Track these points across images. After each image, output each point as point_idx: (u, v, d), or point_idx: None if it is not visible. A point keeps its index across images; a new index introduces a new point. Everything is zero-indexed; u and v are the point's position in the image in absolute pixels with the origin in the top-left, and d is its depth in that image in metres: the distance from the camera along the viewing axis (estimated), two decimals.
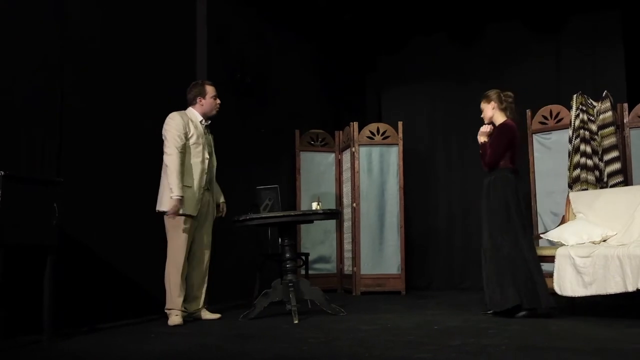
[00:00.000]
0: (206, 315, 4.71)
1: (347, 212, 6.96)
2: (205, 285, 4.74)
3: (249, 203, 5.27)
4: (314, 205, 4.84)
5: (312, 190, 6.98)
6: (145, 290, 4.89)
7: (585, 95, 5.78)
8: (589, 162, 5.58)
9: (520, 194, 4.62)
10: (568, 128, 5.83)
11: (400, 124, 6.90)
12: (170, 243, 4.52)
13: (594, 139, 5.64)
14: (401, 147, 6.85)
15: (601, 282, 4.09)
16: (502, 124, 4.71)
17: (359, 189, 6.81)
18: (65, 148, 4.38)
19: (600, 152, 5.62)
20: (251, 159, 6.32)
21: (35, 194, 3.60)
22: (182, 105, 4.79)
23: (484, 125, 4.82)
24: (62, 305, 3.95)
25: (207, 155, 4.66)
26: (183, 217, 4.49)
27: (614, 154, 5.60)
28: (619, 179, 5.55)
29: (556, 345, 3.32)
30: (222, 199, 4.93)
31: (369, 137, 6.88)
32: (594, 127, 5.67)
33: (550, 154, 6.21)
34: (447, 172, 7.61)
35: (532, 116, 6.34)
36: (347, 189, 7.04)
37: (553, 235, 4.74)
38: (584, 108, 5.70)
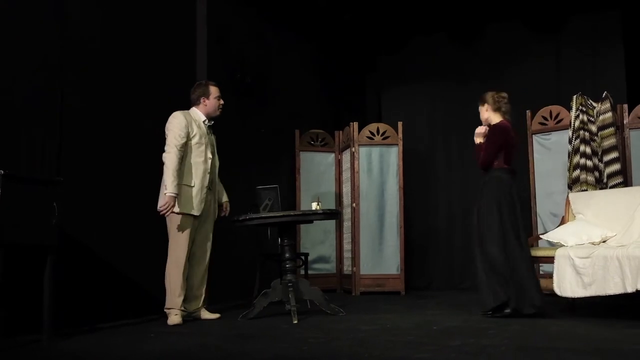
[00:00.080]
0: (206, 315, 4.71)
1: (346, 212, 6.96)
2: (205, 285, 4.75)
3: (249, 203, 5.27)
4: (314, 205, 4.84)
5: (312, 190, 6.98)
6: (145, 290, 4.89)
7: (585, 96, 5.78)
8: (589, 163, 5.58)
9: (515, 194, 4.63)
10: (568, 129, 5.83)
11: (400, 124, 6.90)
12: (172, 242, 4.53)
13: (594, 140, 5.65)
14: (401, 148, 6.85)
15: (600, 283, 4.09)
16: (494, 125, 4.73)
17: (359, 189, 6.81)
18: (65, 148, 4.38)
19: (600, 153, 5.63)
20: (251, 158, 6.33)
21: (35, 193, 3.61)
22: (182, 105, 4.79)
23: (479, 127, 4.85)
24: (62, 305, 3.95)
25: (209, 155, 4.67)
26: (185, 217, 4.49)
27: (614, 154, 5.60)
28: (619, 179, 5.56)
29: (556, 346, 3.32)
30: (225, 199, 4.94)
31: (368, 137, 6.88)
32: (593, 128, 5.67)
33: (550, 154, 6.21)
34: (447, 172, 7.61)
35: (532, 117, 6.34)
36: (346, 189, 7.04)
37: (552, 236, 4.74)
38: (584, 109, 5.70)
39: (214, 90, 4.76)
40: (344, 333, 3.86)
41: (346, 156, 7.06)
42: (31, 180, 3.68)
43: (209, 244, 4.76)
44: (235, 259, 5.88)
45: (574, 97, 5.75)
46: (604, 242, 4.56)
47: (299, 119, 7.20)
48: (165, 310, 4.50)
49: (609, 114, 5.67)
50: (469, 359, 2.98)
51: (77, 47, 4.58)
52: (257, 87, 6.55)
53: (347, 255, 6.95)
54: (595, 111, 5.73)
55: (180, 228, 4.50)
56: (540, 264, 5.79)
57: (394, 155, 6.87)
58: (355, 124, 6.86)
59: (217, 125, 4.86)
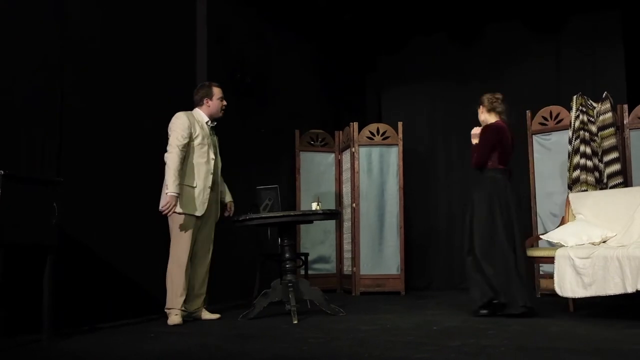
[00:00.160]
0: (206, 315, 4.71)
1: (346, 213, 6.96)
2: (206, 286, 4.75)
3: (249, 203, 5.27)
4: (314, 206, 4.84)
5: (312, 190, 6.98)
6: (145, 290, 4.90)
7: (585, 96, 5.78)
8: (589, 163, 5.58)
9: (509, 195, 4.65)
10: (568, 129, 5.83)
11: (400, 124, 6.90)
12: (174, 242, 4.53)
13: (594, 140, 5.65)
14: (401, 148, 6.85)
15: (601, 283, 4.09)
16: (487, 125, 4.78)
17: (359, 189, 6.81)
18: (65, 148, 4.38)
19: (600, 153, 5.63)
20: (251, 159, 6.33)
21: (35, 193, 3.61)
22: (182, 105, 4.79)
23: (474, 128, 4.90)
24: (62, 304, 3.95)
25: (212, 156, 4.68)
26: (187, 217, 4.50)
27: (614, 155, 5.60)
28: (619, 180, 5.56)
29: (556, 346, 3.32)
30: (229, 198, 4.94)
31: (368, 138, 6.88)
32: (593, 128, 5.67)
33: (550, 155, 6.22)
34: (447, 172, 7.61)
35: (532, 117, 6.34)
36: (346, 189, 7.04)
37: (552, 236, 4.74)
38: (584, 109, 5.70)
39: (217, 92, 4.77)
40: (344, 333, 3.86)
41: (346, 156, 7.06)
42: (31, 180, 3.68)
43: (211, 244, 4.76)
44: (235, 259, 5.88)
45: (574, 97, 5.75)
46: (604, 242, 4.56)
47: (299, 119, 7.20)
48: (165, 310, 4.50)
49: (609, 114, 5.67)
50: (469, 359, 2.98)
51: (77, 47, 4.58)
52: (257, 87, 6.55)
53: (347, 255, 6.95)
54: (595, 111, 5.73)
55: (183, 228, 4.50)
56: (541, 264, 5.80)
57: (394, 156, 6.87)
58: (355, 124, 6.86)
59: (217, 126, 4.86)
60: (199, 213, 4.56)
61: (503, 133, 4.72)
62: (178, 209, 4.46)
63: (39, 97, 4.25)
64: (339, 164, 7.25)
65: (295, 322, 4.34)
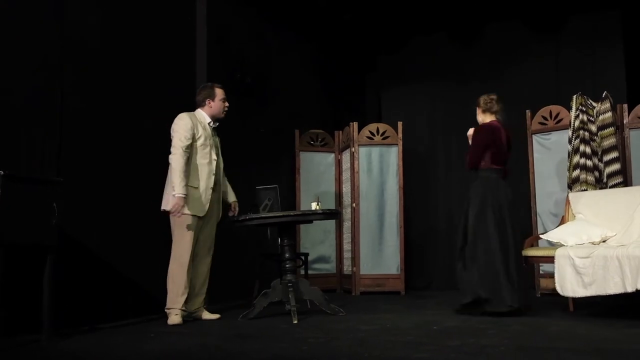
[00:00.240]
0: (205, 315, 4.71)
1: (346, 212, 6.96)
2: (206, 286, 4.75)
3: (249, 203, 5.28)
4: (314, 205, 4.84)
5: (312, 190, 6.98)
6: (145, 290, 4.90)
7: (585, 96, 5.78)
8: (589, 162, 5.58)
9: (502, 194, 4.68)
10: (568, 129, 5.83)
11: (399, 124, 6.90)
12: (176, 242, 4.53)
13: (594, 140, 5.65)
14: (401, 147, 6.85)
15: (601, 283, 4.09)
16: (479, 125, 4.85)
17: (359, 189, 6.81)
18: (65, 148, 4.38)
19: (599, 153, 5.63)
20: (251, 159, 6.32)
21: (35, 193, 3.61)
22: (182, 105, 4.80)
23: (470, 129, 4.95)
24: (62, 304, 3.95)
25: (214, 157, 4.69)
26: (190, 217, 4.50)
27: (614, 154, 5.60)
28: (619, 179, 5.56)
29: (556, 346, 3.32)
30: (233, 198, 4.94)
31: (368, 137, 6.88)
32: (593, 128, 5.67)
33: (549, 154, 6.22)
34: (447, 172, 7.61)
35: (532, 117, 6.34)
36: (346, 189, 7.04)
37: (552, 235, 4.74)
38: (584, 109, 5.70)
39: (219, 93, 4.78)
40: (343, 333, 3.86)
41: (346, 156, 7.06)
42: (31, 180, 3.68)
43: (212, 245, 4.77)
44: (235, 259, 5.88)
45: (574, 97, 5.75)
46: (603, 241, 4.56)
47: (299, 119, 7.20)
48: (166, 310, 4.50)
49: (609, 114, 5.67)
50: (469, 359, 2.98)
51: (77, 47, 4.58)
52: (257, 87, 6.55)
53: (347, 255, 6.95)
54: (595, 111, 5.73)
55: (185, 228, 4.50)
56: (541, 264, 5.81)
57: (393, 155, 6.87)
58: (355, 124, 6.86)
59: (218, 126, 4.86)
60: (201, 213, 4.56)
61: (497, 133, 4.75)
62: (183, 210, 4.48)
63: (39, 97, 4.25)
64: (338, 163, 7.25)
65: (295, 322, 4.34)
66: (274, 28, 7.00)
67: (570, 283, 4.28)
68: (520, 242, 4.72)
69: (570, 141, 5.73)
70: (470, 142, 4.91)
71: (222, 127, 4.90)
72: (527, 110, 6.37)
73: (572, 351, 3.15)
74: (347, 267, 6.94)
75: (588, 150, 5.60)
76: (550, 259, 4.52)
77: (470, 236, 4.66)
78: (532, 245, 5.00)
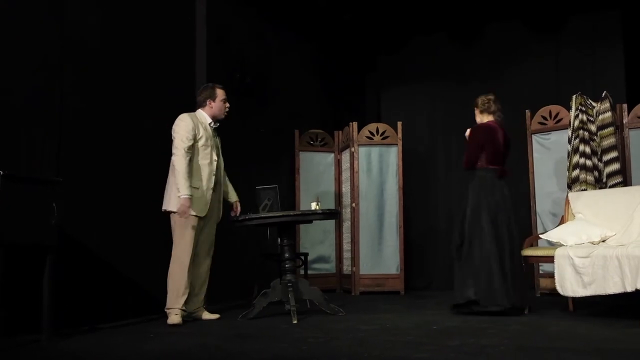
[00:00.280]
0: (205, 315, 4.71)
1: (346, 212, 6.96)
2: (206, 286, 4.75)
3: (249, 203, 5.27)
4: (313, 205, 4.84)
5: (312, 190, 6.98)
6: (145, 290, 4.90)
7: (585, 96, 5.78)
8: (588, 162, 5.58)
9: (499, 194, 4.71)
10: (567, 128, 5.83)
11: (399, 124, 6.90)
12: (177, 242, 4.54)
13: (593, 140, 5.65)
14: (400, 147, 6.85)
15: (600, 283, 4.09)
16: (475, 126, 4.89)
17: (358, 189, 6.81)
18: (64, 148, 4.38)
19: (599, 153, 5.63)
20: (251, 159, 6.32)
21: (34, 193, 3.61)
22: (182, 105, 4.80)
23: (468, 130, 4.99)
24: (62, 304, 3.95)
25: (215, 157, 4.70)
26: (190, 217, 4.50)
27: (613, 154, 5.60)
28: (618, 179, 5.56)
29: (556, 346, 3.32)
30: (235, 198, 4.95)
31: (368, 137, 6.88)
32: (593, 128, 5.67)
33: (549, 154, 6.22)
34: (447, 172, 7.61)
35: (532, 117, 6.35)
36: (346, 189, 7.04)
37: (552, 235, 4.74)
38: (584, 108, 5.70)
39: (220, 93, 4.78)
40: (343, 333, 3.87)
41: (345, 156, 7.06)
42: (31, 180, 3.68)
43: (212, 245, 4.77)
44: (235, 259, 5.88)
45: (574, 96, 5.75)
46: (603, 241, 4.56)
47: (299, 119, 7.20)
48: (165, 310, 4.50)
49: (609, 114, 5.67)
50: (469, 359, 2.98)
51: (77, 47, 4.58)
52: (257, 87, 6.55)
53: (346, 255, 6.95)
54: (594, 111, 5.73)
55: (185, 229, 4.51)
56: (540, 264, 5.81)
57: (393, 155, 6.87)
58: (355, 124, 6.86)
59: (218, 126, 4.86)
60: (202, 214, 4.57)
61: (493, 133, 4.78)
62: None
63: (38, 97, 4.25)
64: (338, 163, 7.25)
65: (295, 321, 4.34)
66: (274, 28, 7.00)
67: (570, 283, 4.28)
68: (519, 242, 4.73)
69: (569, 141, 5.73)
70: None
71: (222, 127, 4.91)
72: (526, 110, 6.37)
73: (572, 351, 3.15)
74: (346, 267, 6.94)
75: (588, 150, 5.60)
76: (550, 259, 4.52)
77: (467, 236, 4.70)
78: (531, 245, 5.00)
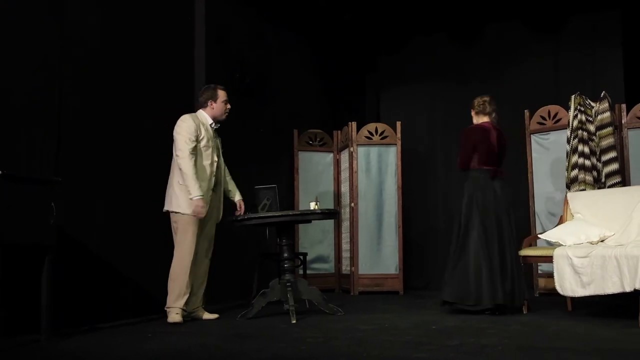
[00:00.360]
0: (204, 315, 4.71)
1: (345, 212, 6.97)
2: (205, 286, 4.76)
3: (248, 203, 5.27)
4: (312, 205, 4.85)
5: (311, 190, 6.98)
6: (145, 290, 4.90)
7: (584, 96, 5.79)
8: (587, 162, 5.58)
9: (491, 194, 4.75)
10: (566, 128, 5.83)
11: (398, 124, 6.90)
12: (179, 242, 4.54)
13: (592, 140, 5.65)
14: (399, 147, 6.85)
15: (599, 282, 4.10)
16: (467, 128, 4.96)
17: (357, 188, 6.82)
18: (63, 148, 4.38)
19: (598, 153, 5.63)
20: (251, 158, 6.32)
21: (33, 193, 3.61)
22: (181, 105, 4.81)
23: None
24: (62, 304, 3.96)
25: (215, 158, 4.70)
26: (191, 217, 4.51)
27: (612, 154, 5.61)
28: (617, 179, 5.56)
29: (555, 345, 3.32)
30: (239, 197, 4.95)
31: (367, 137, 6.88)
32: (592, 128, 5.68)
33: (548, 154, 6.23)
34: (447, 172, 7.61)
35: (530, 117, 6.35)
36: (345, 188, 7.04)
37: (551, 235, 4.75)
38: (582, 108, 5.70)
39: (221, 94, 4.78)
40: (342, 333, 3.87)
41: (344, 156, 7.07)
42: (29, 180, 3.68)
43: (211, 245, 4.78)
44: (234, 258, 5.88)
45: (572, 96, 5.75)
46: (602, 241, 4.56)
47: (299, 119, 7.20)
48: (166, 309, 4.50)
49: (607, 114, 5.67)
50: (468, 359, 2.98)
51: (77, 47, 4.58)
52: (257, 87, 6.55)
53: (345, 255, 6.95)
54: (593, 111, 5.74)
55: (187, 229, 4.52)
56: (539, 264, 5.81)
57: (392, 155, 6.87)
58: (354, 124, 6.86)
59: (219, 127, 4.86)
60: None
61: (485, 133, 4.82)
62: (182, 210, 4.50)
63: (38, 97, 4.25)
64: (337, 163, 7.25)
65: (294, 321, 4.35)
66: (273, 28, 7.00)
67: (569, 283, 4.28)
68: (516, 242, 4.74)
69: (568, 141, 5.73)
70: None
71: (221, 127, 4.91)
72: (525, 110, 6.38)
73: (572, 351, 3.15)
74: (345, 267, 6.94)
75: (586, 150, 5.61)
76: (549, 259, 4.52)
77: (456, 235, 4.80)
78: (530, 245, 5.01)
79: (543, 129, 6.28)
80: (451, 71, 7.65)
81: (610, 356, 3.04)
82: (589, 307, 4.76)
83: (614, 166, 5.58)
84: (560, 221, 5.19)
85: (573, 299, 4.56)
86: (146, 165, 4.93)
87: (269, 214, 4.67)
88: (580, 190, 5.47)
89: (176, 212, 4.54)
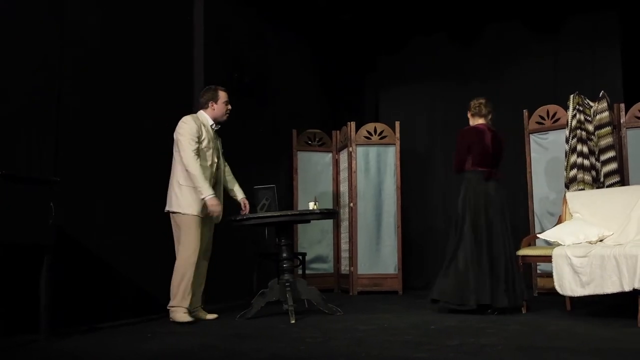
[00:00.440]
0: (203, 315, 4.71)
1: (344, 212, 6.96)
2: (203, 286, 4.75)
3: (248, 202, 5.27)
4: (311, 205, 4.85)
5: (310, 189, 6.98)
6: (145, 290, 4.90)
7: (582, 96, 5.79)
8: (586, 162, 5.59)
9: (484, 195, 4.78)
10: (565, 128, 5.83)
11: (397, 124, 6.89)
12: (183, 242, 4.54)
13: (591, 139, 5.65)
14: (398, 147, 6.85)
15: (598, 282, 4.10)
16: (461, 130, 5.00)
17: (356, 188, 6.81)
18: (62, 147, 4.38)
19: (596, 152, 5.64)
20: (250, 158, 6.32)
21: (32, 193, 3.61)
22: (180, 105, 4.81)
23: None
24: (61, 304, 3.96)
25: (215, 159, 4.70)
26: (192, 217, 4.52)
27: (611, 154, 5.61)
28: (616, 179, 5.57)
29: (555, 345, 3.32)
30: (242, 195, 4.96)
31: (366, 137, 6.88)
32: (590, 127, 5.68)
33: (547, 154, 6.23)
34: (446, 172, 7.60)
35: (529, 116, 6.35)
36: (344, 188, 7.04)
37: (550, 235, 4.75)
38: (581, 108, 5.71)
39: (222, 95, 4.79)
40: (341, 333, 3.87)
41: (343, 156, 7.06)
42: (28, 180, 3.68)
43: (210, 245, 4.78)
44: (233, 258, 5.87)
45: (571, 96, 5.75)
46: (600, 241, 4.57)
47: (299, 119, 7.20)
48: (170, 308, 4.48)
49: (606, 113, 5.68)
50: (468, 359, 2.98)
51: (77, 47, 4.58)
52: (257, 87, 6.55)
53: (344, 255, 6.95)
54: (592, 110, 5.74)
55: (190, 229, 4.52)
56: (538, 263, 5.82)
57: (391, 155, 6.87)
58: (353, 124, 6.86)
59: (219, 127, 4.86)
60: (202, 214, 4.58)
61: (480, 135, 4.85)
62: (182, 210, 4.50)
63: (37, 97, 4.25)
64: (336, 163, 7.25)
65: (293, 321, 4.35)
66: (273, 28, 7.00)
67: (568, 282, 4.28)
68: (511, 243, 4.75)
69: (567, 141, 5.73)
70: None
71: (221, 127, 4.91)
72: (524, 110, 6.38)
73: (571, 351, 3.15)
74: (344, 267, 6.94)
75: (585, 149, 5.61)
76: (548, 259, 4.52)
77: (451, 236, 4.87)
78: (529, 245, 5.02)
79: (542, 129, 6.28)
80: (451, 71, 7.65)
81: (609, 356, 3.04)
82: (588, 307, 4.76)
83: (613, 166, 5.59)
84: (559, 221, 5.19)
85: (572, 298, 4.56)
86: (145, 165, 4.93)
87: (268, 214, 4.66)
88: (579, 189, 5.47)
89: (176, 213, 4.54)
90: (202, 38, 5.82)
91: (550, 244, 4.78)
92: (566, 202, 5.16)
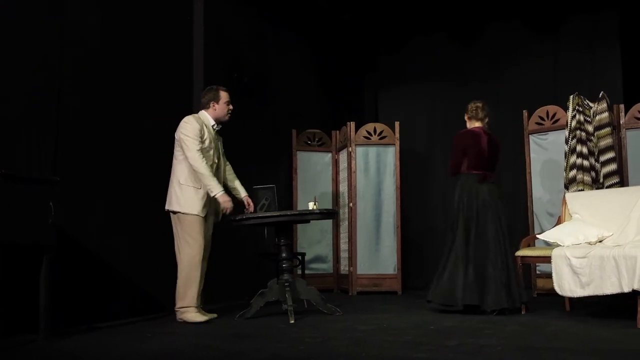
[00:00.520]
0: (203, 315, 4.71)
1: (343, 212, 6.96)
2: (202, 286, 4.75)
3: None
4: (311, 205, 4.85)
5: (309, 190, 6.98)
6: (144, 290, 4.90)
7: (582, 96, 5.79)
8: (585, 162, 5.59)
9: (477, 198, 4.80)
10: (564, 129, 5.84)
11: (397, 124, 6.90)
12: (187, 242, 4.54)
13: (590, 140, 5.66)
14: (398, 147, 6.85)
15: (598, 283, 4.10)
16: (457, 133, 5.03)
17: (356, 188, 6.81)
18: (62, 147, 4.38)
19: (596, 153, 5.64)
20: (249, 158, 6.32)
21: (31, 193, 3.61)
22: (180, 105, 4.81)
23: None
24: (61, 304, 3.96)
25: (216, 160, 4.71)
26: (194, 217, 4.53)
27: (610, 155, 5.61)
28: (615, 179, 5.57)
29: (554, 346, 3.33)
30: (244, 193, 4.96)
31: (365, 137, 6.88)
32: (590, 128, 5.68)
33: (546, 154, 6.24)
34: (446, 172, 7.56)
35: (529, 117, 6.35)
36: (343, 188, 7.04)
37: (549, 235, 4.76)
38: (581, 109, 5.71)
39: (224, 96, 4.79)
40: (340, 333, 3.87)
41: (343, 156, 7.06)
42: (28, 179, 3.68)
43: (209, 245, 4.77)
44: (233, 258, 5.87)
45: (571, 97, 5.76)
46: (600, 242, 4.57)
47: (298, 119, 7.20)
48: (180, 309, 4.48)
49: (606, 114, 5.68)
50: (467, 359, 2.98)
51: (76, 47, 4.58)
52: (257, 87, 6.55)
53: (344, 255, 6.95)
54: (591, 111, 5.74)
55: (192, 228, 4.53)
56: (537, 264, 5.82)
57: (390, 155, 6.87)
58: (352, 124, 6.86)
59: (220, 128, 4.86)
60: (202, 214, 4.58)
61: (475, 138, 4.88)
62: (183, 209, 4.51)
63: (37, 97, 4.24)
64: (335, 163, 7.25)
65: (292, 321, 4.35)
66: (273, 28, 7.00)
67: (568, 283, 4.29)
68: (508, 245, 4.76)
69: (567, 141, 5.74)
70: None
71: (221, 127, 4.91)
72: (524, 111, 6.38)
73: (570, 351, 3.16)
74: (344, 267, 6.94)
75: (585, 150, 5.61)
76: (547, 259, 4.53)
77: (447, 237, 4.95)
78: (528, 245, 5.02)
79: (541, 129, 6.28)
80: (451, 71, 7.65)
81: (608, 356, 3.05)
82: (587, 308, 4.76)
83: (612, 166, 5.59)
84: (559, 221, 5.20)
85: (571, 299, 4.57)
86: (145, 165, 4.93)
87: (268, 214, 4.67)
88: (579, 190, 5.47)
89: (177, 212, 4.55)
90: (202, 38, 5.82)
91: (549, 245, 4.79)
92: (565, 203, 5.17)
